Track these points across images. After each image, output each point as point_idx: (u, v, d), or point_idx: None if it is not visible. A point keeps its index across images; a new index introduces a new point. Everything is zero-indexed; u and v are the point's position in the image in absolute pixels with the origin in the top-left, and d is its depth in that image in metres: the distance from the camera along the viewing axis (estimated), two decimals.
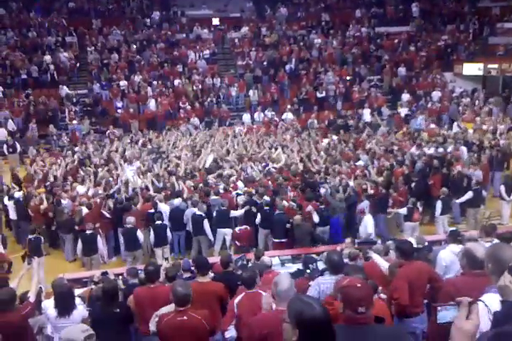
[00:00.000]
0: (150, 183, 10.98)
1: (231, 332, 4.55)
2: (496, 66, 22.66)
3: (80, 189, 11.23)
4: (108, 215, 9.96)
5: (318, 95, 21.85)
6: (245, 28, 25.71)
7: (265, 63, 23.54)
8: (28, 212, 10.57)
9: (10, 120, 19.29)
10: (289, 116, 20.40)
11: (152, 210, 9.70)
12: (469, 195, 10.32)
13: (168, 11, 27.00)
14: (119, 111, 20.67)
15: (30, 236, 9.04)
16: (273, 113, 20.55)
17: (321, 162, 12.65)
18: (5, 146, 17.16)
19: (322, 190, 10.45)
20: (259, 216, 9.56)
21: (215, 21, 26.27)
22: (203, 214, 9.46)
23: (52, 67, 21.86)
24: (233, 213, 9.68)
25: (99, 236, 9.20)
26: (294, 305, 2.26)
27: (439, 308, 2.39)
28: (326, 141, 15.98)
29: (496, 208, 11.20)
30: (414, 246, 6.67)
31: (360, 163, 12.54)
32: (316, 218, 9.30)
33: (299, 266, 6.90)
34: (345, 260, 6.34)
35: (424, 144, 13.96)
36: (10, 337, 4.88)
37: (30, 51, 22.72)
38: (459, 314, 2.06)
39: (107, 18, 25.63)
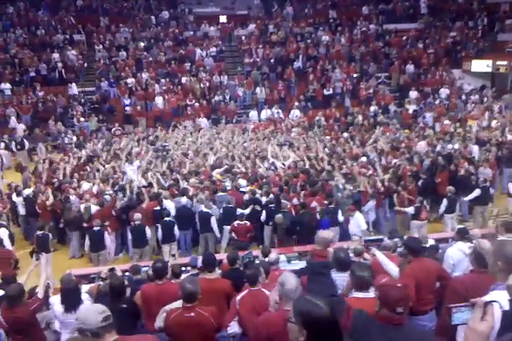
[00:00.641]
0: (155, 181, 11.01)
1: (233, 328, 4.55)
2: (505, 63, 22.46)
3: (85, 186, 11.29)
4: (113, 213, 9.98)
5: (326, 92, 21.79)
6: (252, 25, 25.70)
7: (272, 60, 23.50)
8: (36, 209, 10.64)
9: (13, 117, 19.39)
10: (296, 113, 20.38)
11: (158, 207, 9.71)
12: (477, 192, 10.26)
13: (176, 8, 27.03)
14: (127, 108, 20.74)
15: (37, 233, 9.10)
16: (279, 110, 20.51)
17: (326, 159, 12.61)
18: (13, 143, 17.27)
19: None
20: (264, 213, 9.55)
21: (223, 19, 26.29)
22: (210, 212, 9.48)
23: (60, 64, 21.98)
24: (239, 211, 9.69)
25: (106, 233, 9.23)
26: (300, 305, 2.24)
27: (454, 310, 2.36)
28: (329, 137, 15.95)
29: (504, 206, 11.11)
30: None
31: (363, 159, 12.48)
32: (317, 215, 9.29)
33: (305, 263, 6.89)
34: (351, 255, 6.36)
35: (434, 142, 13.89)
36: (19, 331, 4.94)
37: (38, 49, 22.84)
38: (474, 315, 2.03)
39: (115, 16, 25.75)
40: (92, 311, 2.77)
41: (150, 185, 10.86)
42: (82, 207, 9.99)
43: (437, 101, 20.87)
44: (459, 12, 26.55)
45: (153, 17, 25.80)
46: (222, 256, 7.18)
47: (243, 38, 25.12)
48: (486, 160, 11.82)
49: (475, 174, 11.06)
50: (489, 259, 2.78)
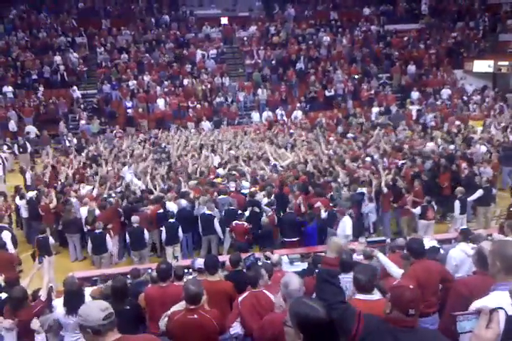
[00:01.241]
0: (156, 184, 11.05)
1: (236, 329, 4.55)
2: (506, 63, 22.47)
3: (85, 189, 11.26)
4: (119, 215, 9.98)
5: (327, 94, 21.80)
6: (254, 27, 25.71)
7: (274, 62, 23.52)
8: (39, 212, 10.66)
9: (12, 121, 19.44)
10: (298, 114, 20.38)
11: (161, 210, 9.70)
12: (479, 192, 10.22)
13: (177, 10, 27.07)
14: (129, 110, 20.78)
15: (38, 236, 9.11)
16: (283, 112, 20.52)
17: (327, 160, 12.61)
18: (15, 146, 17.30)
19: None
20: (264, 215, 9.56)
21: (224, 20, 26.30)
22: (213, 214, 9.47)
23: (62, 67, 22.03)
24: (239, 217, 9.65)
25: (108, 235, 9.23)
26: (297, 308, 2.22)
27: (460, 318, 2.32)
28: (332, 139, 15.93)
29: (506, 206, 11.05)
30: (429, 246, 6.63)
31: (368, 159, 12.48)
32: (323, 214, 9.27)
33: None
34: (360, 257, 6.34)
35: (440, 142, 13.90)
36: (22, 334, 4.93)
37: (40, 52, 22.89)
38: (479, 322, 2.00)
39: (117, 19, 25.77)
40: (94, 307, 2.65)
41: (150, 191, 10.88)
42: (85, 209, 9.97)
43: (439, 102, 20.84)
44: (460, 12, 26.57)
45: (153, 19, 25.79)
46: (224, 257, 7.18)
47: (244, 39, 25.14)
48: (488, 161, 11.80)
49: (478, 174, 11.04)
50: (489, 260, 2.76)
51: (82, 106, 21.04)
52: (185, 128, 18.97)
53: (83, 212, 10.01)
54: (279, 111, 20.66)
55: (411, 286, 2.67)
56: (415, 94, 21.63)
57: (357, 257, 6.51)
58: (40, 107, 20.33)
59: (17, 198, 11.31)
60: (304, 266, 7.20)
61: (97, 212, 9.84)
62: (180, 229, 9.42)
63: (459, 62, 24.00)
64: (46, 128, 19.42)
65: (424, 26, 26.13)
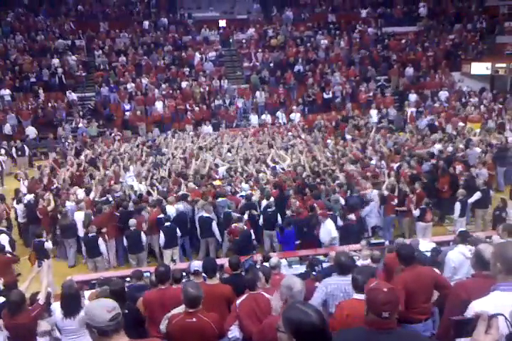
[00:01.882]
0: (153, 187, 11.05)
1: (234, 332, 4.53)
2: (504, 65, 22.51)
3: (80, 192, 11.20)
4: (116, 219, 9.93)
5: (325, 96, 21.82)
6: (252, 29, 25.74)
7: (272, 64, 23.55)
8: (37, 215, 10.62)
9: (7, 124, 19.44)
10: (296, 117, 20.41)
11: (161, 215, 9.67)
12: (477, 195, 10.24)
13: (175, 13, 27.10)
14: (127, 113, 20.77)
15: (35, 240, 9.08)
16: (283, 114, 20.54)
17: (322, 163, 12.62)
18: (14, 149, 17.28)
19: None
20: (262, 218, 9.54)
21: (222, 23, 26.33)
22: (211, 216, 9.47)
23: (60, 70, 22.02)
24: (235, 215, 9.63)
25: (100, 239, 9.17)
26: (290, 313, 2.19)
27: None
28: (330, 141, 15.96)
29: None
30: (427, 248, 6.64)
31: (373, 162, 12.51)
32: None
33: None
34: (367, 262, 6.33)
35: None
36: (20, 338, 4.93)
37: (38, 55, 22.88)
38: (478, 328, 2.00)
39: (115, 21, 25.76)
40: (100, 307, 2.52)
41: (148, 193, 10.88)
42: (80, 214, 9.92)
43: (437, 104, 20.88)
44: (457, 15, 26.60)
45: (146, 22, 25.73)
46: (222, 261, 7.17)
47: (243, 42, 25.16)
48: (483, 162, 11.84)
49: (476, 177, 11.06)
50: (490, 261, 2.76)
51: (79, 108, 21.01)
52: (184, 131, 18.94)
53: (78, 216, 9.93)
54: (279, 114, 20.66)
55: (385, 289, 2.65)
56: (413, 97, 21.66)
57: (363, 262, 6.51)
58: (38, 110, 20.31)
59: (14, 202, 11.30)
60: (303, 268, 7.21)
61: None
62: (178, 232, 9.42)
63: (456, 64, 24.02)
64: (44, 131, 19.41)
65: (422, 28, 26.18)
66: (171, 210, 9.84)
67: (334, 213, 9.47)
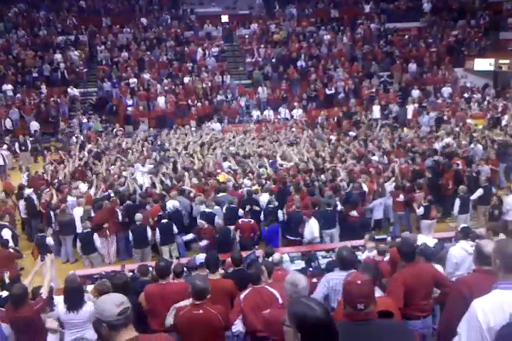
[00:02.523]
0: (158, 182, 11.05)
1: (237, 326, 4.56)
2: (507, 61, 22.43)
3: (82, 187, 11.17)
4: (120, 215, 9.89)
5: (328, 92, 21.77)
6: (254, 25, 25.68)
7: (274, 60, 23.50)
8: (38, 210, 10.63)
9: (8, 119, 19.45)
10: (299, 112, 20.39)
11: (161, 212, 9.61)
12: (480, 192, 10.23)
13: (178, 8, 27.04)
14: (129, 108, 20.78)
15: (37, 235, 9.10)
16: (286, 110, 20.52)
17: (325, 159, 12.62)
18: (16, 144, 17.31)
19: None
20: (263, 213, 9.54)
21: (224, 19, 26.28)
22: (213, 211, 9.47)
23: (62, 65, 22.02)
24: (241, 211, 9.66)
25: (96, 235, 9.13)
26: (295, 308, 2.21)
27: None
28: (333, 137, 15.95)
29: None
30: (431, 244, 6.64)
31: (375, 158, 12.50)
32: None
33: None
34: (372, 254, 6.35)
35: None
36: (24, 331, 4.96)
37: (41, 50, 22.88)
38: None
39: (117, 17, 25.73)
40: (109, 302, 2.54)
41: (153, 185, 10.87)
42: (80, 210, 9.91)
43: (440, 100, 20.83)
44: (461, 10, 26.49)
45: (144, 19, 25.69)
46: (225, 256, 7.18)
47: (245, 37, 25.11)
48: (485, 159, 11.82)
49: (479, 173, 11.06)
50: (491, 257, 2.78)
51: (80, 104, 21.04)
52: (184, 127, 18.93)
53: (77, 212, 9.90)
54: (282, 110, 20.63)
55: (359, 282, 2.69)
56: (416, 93, 21.60)
57: (369, 254, 6.54)
58: (40, 105, 20.33)
59: (13, 197, 11.33)
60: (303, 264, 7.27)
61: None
62: (175, 228, 9.43)
63: (459, 60, 23.95)
64: (47, 126, 19.45)
65: (425, 24, 26.08)
66: (171, 205, 9.86)
67: (332, 208, 9.47)
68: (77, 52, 22.80)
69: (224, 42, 25.14)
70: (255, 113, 20.84)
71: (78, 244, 9.19)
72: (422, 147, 13.44)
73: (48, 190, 10.90)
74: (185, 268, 6.56)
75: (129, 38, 24.34)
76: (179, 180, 11.12)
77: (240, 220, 9.16)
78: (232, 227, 9.43)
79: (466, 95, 21.47)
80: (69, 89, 21.27)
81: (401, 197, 10.22)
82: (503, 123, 16.41)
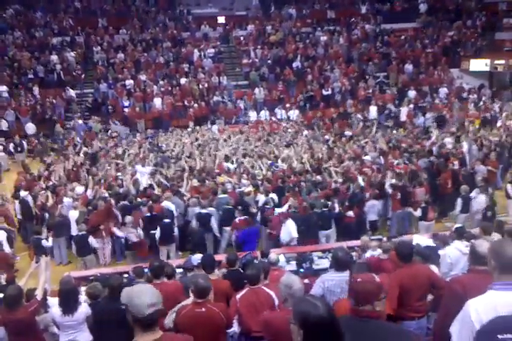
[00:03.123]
0: (156, 183, 11.04)
1: (233, 327, 4.56)
2: (503, 62, 22.50)
3: (79, 189, 11.08)
4: (119, 215, 9.85)
5: (324, 92, 21.79)
6: (251, 26, 25.70)
7: (271, 61, 23.50)
8: (33, 212, 10.58)
9: (3, 120, 19.37)
10: (295, 113, 20.40)
11: (148, 214, 9.56)
12: (476, 192, 10.22)
13: (174, 9, 27.03)
14: (125, 109, 20.75)
15: (33, 236, 9.05)
16: (282, 111, 20.53)
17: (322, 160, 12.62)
18: (11, 145, 17.26)
19: None
20: (259, 214, 9.52)
21: (221, 20, 26.29)
22: (209, 212, 9.45)
23: (59, 66, 21.97)
24: (237, 214, 9.61)
25: (91, 237, 9.06)
26: (300, 306, 2.24)
27: None
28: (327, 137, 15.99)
29: (502, 204, 11.07)
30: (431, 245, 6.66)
31: (368, 158, 12.51)
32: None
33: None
34: (376, 252, 6.36)
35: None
36: (18, 333, 4.93)
37: (37, 51, 22.82)
38: None
39: (113, 18, 25.69)
40: (142, 298, 2.48)
41: (151, 186, 10.87)
42: (75, 212, 9.86)
43: (436, 101, 20.88)
44: (457, 11, 26.56)
45: (151, 18, 25.73)
46: (220, 257, 7.17)
47: (241, 38, 25.12)
48: (481, 159, 11.84)
49: (475, 173, 11.08)
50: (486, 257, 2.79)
51: (77, 105, 21.00)
52: (186, 128, 18.89)
53: (72, 214, 9.84)
54: (278, 111, 20.62)
55: (363, 280, 2.78)
56: (412, 93, 21.64)
57: (373, 253, 6.57)
58: (36, 106, 20.27)
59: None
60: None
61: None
62: (176, 229, 9.40)
63: (455, 61, 24.01)
64: (42, 127, 19.39)
65: (421, 25, 26.14)
66: (171, 206, 9.82)
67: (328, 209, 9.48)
68: (73, 53, 22.74)
69: (220, 43, 25.14)
70: (252, 114, 20.83)
71: (73, 246, 9.14)
72: (417, 147, 13.48)
73: (43, 191, 10.84)
74: (181, 269, 6.56)
75: (125, 39, 24.30)
76: (178, 180, 11.09)
77: (236, 220, 9.15)
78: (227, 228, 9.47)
79: (464, 95, 21.52)
80: (65, 91, 21.20)
81: (399, 195, 10.24)
82: (499, 124, 16.43)
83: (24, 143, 17.50)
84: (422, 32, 25.69)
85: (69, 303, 5.10)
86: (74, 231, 9.65)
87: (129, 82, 21.72)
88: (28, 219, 10.76)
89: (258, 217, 9.65)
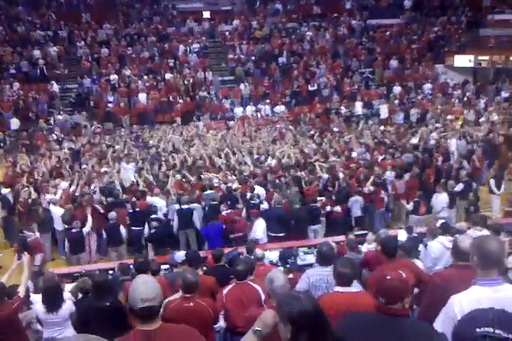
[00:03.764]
0: (141, 179, 10.98)
1: (220, 322, 4.57)
2: (486, 58, 22.72)
3: (63, 185, 10.93)
4: (102, 210, 9.77)
5: (310, 88, 21.79)
6: (236, 21, 25.58)
7: (256, 56, 23.44)
8: (15, 209, 10.47)
9: None
10: (281, 109, 20.38)
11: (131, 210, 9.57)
12: (459, 186, 10.34)
13: (159, 4, 26.81)
14: (110, 105, 20.55)
15: (19, 234, 8.94)
16: (266, 107, 20.47)
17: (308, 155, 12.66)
18: None
19: None
20: (244, 210, 9.52)
21: (206, 14, 26.13)
22: (191, 207, 9.40)
23: (41, 61, 21.66)
24: (223, 208, 9.58)
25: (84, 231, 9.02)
26: (283, 301, 2.23)
27: None
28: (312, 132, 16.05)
29: (485, 199, 11.20)
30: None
31: (354, 154, 12.57)
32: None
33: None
34: (372, 246, 6.51)
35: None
36: (0, 331, 4.87)
37: (19, 46, 22.47)
38: None
39: (97, 12, 25.38)
40: (137, 291, 2.49)
41: (137, 182, 10.80)
42: (57, 208, 9.73)
43: (420, 97, 21.01)
44: (441, 7, 26.71)
45: (135, 13, 25.48)
46: (205, 253, 7.17)
47: (227, 33, 25.00)
48: (465, 155, 11.96)
49: (462, 168, 11.19)
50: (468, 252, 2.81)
51: (60, 100, 20.74)
52: (171, 123, 18.75)
53: (54, 210, 9.73)
54: (262, 106, 20.57)
55: (388, 277, 2.65)
56: (397, 89, 21.74)
57: (369, 246, 6.62)
58: (19, 102, 19.98)
59: None
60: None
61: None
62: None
63: (440, 56, 24.15)
64: (25, 123, 19.11)
65: (406, 21, 26.25)
66: (161, 203, 9.79)
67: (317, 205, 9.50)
68: (56, 48, 22.43)
69: (206, 39, 24.99)
70: (238, 110, 20.76)
71: (66, 244, 9.02)
72: (401, 142, 13.61)
73: (26, 188, 10.71)
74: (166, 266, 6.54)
75: (109, 34, 24.03)
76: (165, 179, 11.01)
77: (224, 213, 9.12)
78: None
79: (448, 91, 21.68)
80: (49, 86, 20.92)
81: (382, 194, 10.29)
82: (483, 119, 16.59)
83: (7, 138, 17.26)
84: (407, 28, 25.78)
85: (53, 301, 5.06)
86: (58, 227, 9.60)
87: (114, 77, 21.48)
88: (10, 215, 10.61)
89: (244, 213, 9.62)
